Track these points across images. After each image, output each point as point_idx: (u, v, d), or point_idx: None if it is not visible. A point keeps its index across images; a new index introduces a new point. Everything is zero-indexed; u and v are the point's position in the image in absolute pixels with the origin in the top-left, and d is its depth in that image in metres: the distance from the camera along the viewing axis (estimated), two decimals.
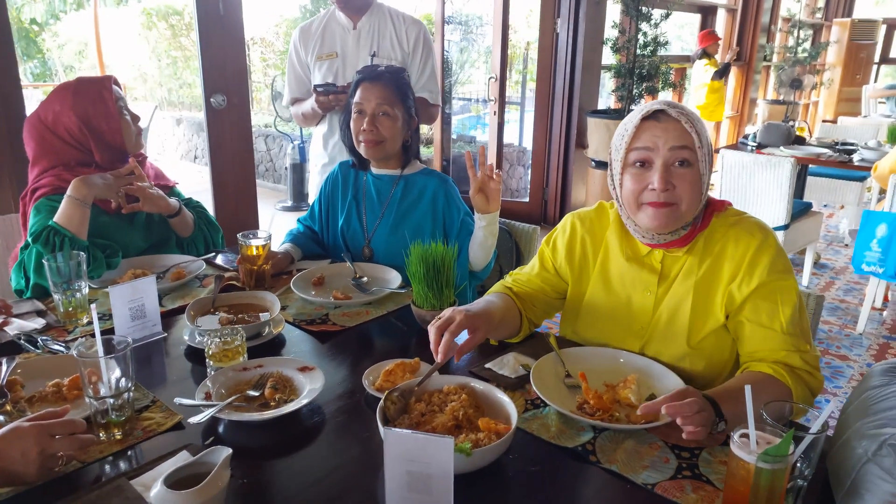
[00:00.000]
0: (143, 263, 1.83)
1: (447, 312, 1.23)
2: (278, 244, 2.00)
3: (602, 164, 4.82)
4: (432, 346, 1.19)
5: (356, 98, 1.86)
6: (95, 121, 1.78)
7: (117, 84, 1.86)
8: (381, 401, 1.08)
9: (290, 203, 6.29)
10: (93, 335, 1.10)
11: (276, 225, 5.60)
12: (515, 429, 1.02)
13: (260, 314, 1.53)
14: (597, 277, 1.42)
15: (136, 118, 1.89)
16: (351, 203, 2.00)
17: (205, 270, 1.84)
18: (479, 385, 1.16)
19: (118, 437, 1.10)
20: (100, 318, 1.53)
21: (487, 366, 1.33)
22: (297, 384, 1.24)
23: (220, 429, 1.14)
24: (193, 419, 1.09)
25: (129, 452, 1.08)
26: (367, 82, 1.85)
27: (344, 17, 2.44)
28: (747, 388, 0.88)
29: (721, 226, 1.30)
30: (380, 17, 2.44)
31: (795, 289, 1.25)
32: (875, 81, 9.21)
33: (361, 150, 1.89)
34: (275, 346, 1.46)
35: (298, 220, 2.13)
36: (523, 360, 1.34)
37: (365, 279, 1.77)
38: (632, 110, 4.78)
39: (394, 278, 1.78)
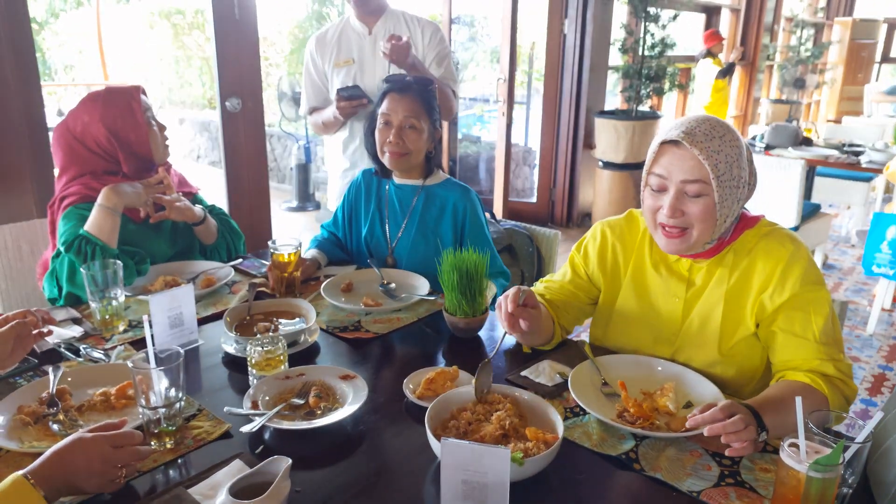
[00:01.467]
0: (172, 270, 1.85)
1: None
2: (305, 251, 2.02)
3: (610, 165, 4.84)
4: (502, 319, 1.29)
5: (383, 108, 1.88)
6: (123, 132, 1.79)
7: (144, 94, 1.87)
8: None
9: (295, 203, 6.30)
10: (131, 343, 1.12)
11: (282, 225, 5.61)
12: (563, 438, 1.05)
13: (293, 321, 1.55)
14: (628, 284, 1.44)
15: (162, 128, 1.90)
16: (374, 212, 2.02)
17: (233, 277, 1.86)
18: (522, 394, 1.19)
19: (170, 445, 1.12)
20: (132, 327, 1.57)
21: (524, 374, 1.36)
22: (340, 393, 1.26)
23: (267, 437, 1.16)
24: (245, 428, 1.11)
25: (181, 461, 1.10)
26: (395, 93, 1.86)
27: (359, 23, 2.46)
28: (798, 401, 0.90)
29: (752, 237, 1.33)
30: (395, 22, 2.46)
31: (828, 299, 1.27)
32: (876, 80, 9.26)
33: (385, 160, 1.91)
34: (311, 353, 1.48)
35: (322, 227, 2.15)
36: (559, 367, 1.37)
37: (393, 285, 1.79)
38: (640, 112, 4.79)
39: (421, 284, 1.80)
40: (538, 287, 1.55)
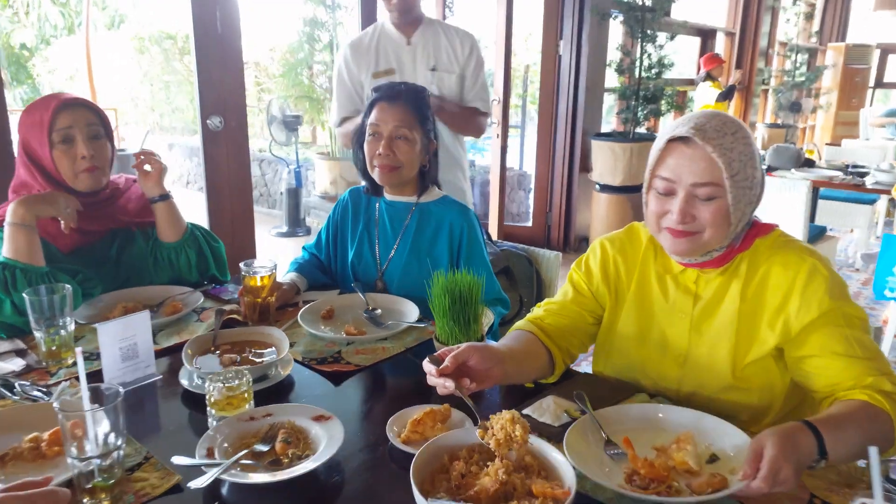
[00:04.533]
0: (134, 296, 1.68)
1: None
2: (282, 273, 1.86)
3: (607, 188, 4.72)
4: (432, 380, 1.06)
5: (371, 118, 1.73)
6: (31, 148, 1.60)
7: (89, 106, 1.65)
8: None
9: (285, 229, 6.14)
10: (78, 378, 0.94)
11: (270, 252, 5.44)
12: (576, 493, 0.87)
13: (265, 351, 1.37)
14: (631, 302, 1.30)
15: (98, 150, 1.63)
16: (363, 233, 1.86)
17: (203, 303, 1.68)
18: None
19: (106, 503, 0.94)
20: (86, 359, 1.39)
21: (525, 412, 1.18)
22: (313, 437, 1.09)
23: (225, 490, 0.98)
24: (193, 484, 0.93)
25: None
26: (384, 102, 1.72)
27: (396, 32, 2.37)
28: (872, 452, 0.74)
29: (766, 248, 1.19)
30: (433, 32, 2.38)
31: (860, 311, 1.14)
32: (871, 105, 9.26)
33: (375, 175, 1.75)
34: (283, 389, 1.30)
35: (304, 248, 1.99)
36: (565, 404, 1.20)
37: (379, 311, 1.63)
38: (637, 134, 4.70)
39: (410, 310, 1.63)
40: (536, 312, 1.38)
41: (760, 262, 1.18)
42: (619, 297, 1.33)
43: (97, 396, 0.96)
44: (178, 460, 0.98)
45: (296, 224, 6.11)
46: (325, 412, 1.12)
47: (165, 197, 1.75)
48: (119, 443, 0.95)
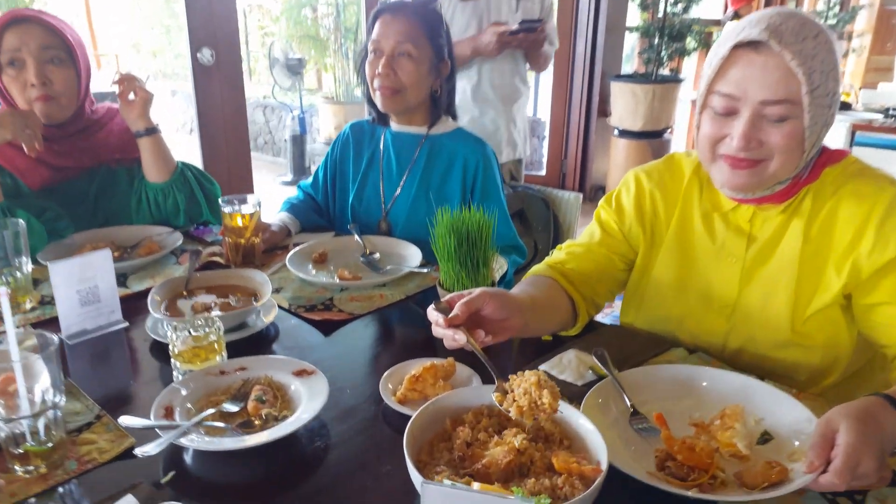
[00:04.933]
0: (106, 236, 1.51)
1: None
2: (274, 215, 1.68)
3: (626, 133, 4.46)
4: (439, 331, 0.87)
5: (373, 35, 1.52)
6: None
7: (47, 25, 1.42)
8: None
9: (290, 177, 5.95)
10: (37, 325, 0.79)
11: (277, 200, 5.27)
12: (609, 468, 0.70)
13: (246, 298, 1.21)
14: (670, 244, 1.11)
15: (59, 78, 1.44)
16: (366, 170, 1.67)
17: (183, 245, 1.51)
18: None
19: (42, 471, 0.79)
20: (45, 303, 1.24)
21: (543, 368, 1.02)
22: (293, 394, 0.93)
23: (188, 458, 0.83)
24: (141, 450, 0.77)
25: (61, 491, 0.77)
26: (386, 14, 1.50)
27: None
28: None
29: (836, 176, 0.99)
30: None
31: None
32: None
33: (377, 100, 1.55)
34: (264, 340, 1.14)
35: (299, 186, 1.81)
36: (590, 360, 1.02)
37: (377, 255, 1.45)
38: (660, 75, 4.39)
39: (412, 254, 1.46)
40: (557, 255, 1.20)
41: (828, 195, 0.99)
42: (656, 238, 1.14)
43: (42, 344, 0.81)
44: (128, 421, 0.82)
45: (301, 172, 5.91)
46: (308, 366, 0.96)
47: (152, 131, 1.56)
48: (56, 400, 0.79)
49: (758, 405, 0.88)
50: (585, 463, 0.72)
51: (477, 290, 0.89)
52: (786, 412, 0.86)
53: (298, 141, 5.85)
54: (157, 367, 1.07)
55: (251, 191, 3.19)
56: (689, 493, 0.72)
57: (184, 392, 0.90)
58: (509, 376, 0.80)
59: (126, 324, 1.17)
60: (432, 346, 1.10)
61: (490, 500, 0.56)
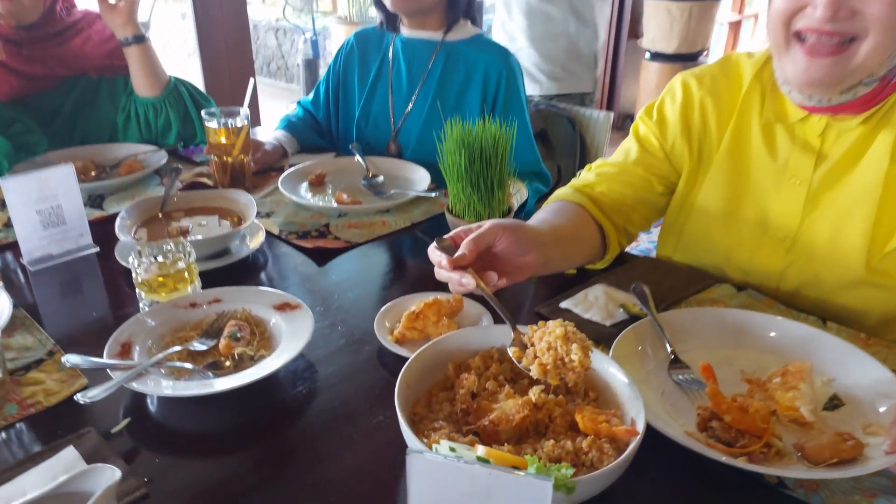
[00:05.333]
0: (86, 153, 1.37)
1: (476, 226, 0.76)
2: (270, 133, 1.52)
3: (659, 56, 4.15)
4: (442, 274, 0.72)
5: None
6: None
7: None
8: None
9: None
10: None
11: None
12: (646, 430, 0.57)
13: (230, 223, 1.07)
14: (722, 162, 0.94)
15: None
16: (373, 83, 1.49)
17: (169, 164, 1.37)
18: None
19: None
20: (9, 225, 1.12)
21: (564, 305, 0.87)
22: (273, 331, 0.80)
23: (151, 404, 0.71)
24: (83, 395, 0.65)
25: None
26: None
27: None
28: None
29: None
30: None
31: None
32: None
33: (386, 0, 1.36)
34: (249, 270, 1.01)
35: (298, 103, 1.64)
36: (621, 296, 0.88)
37: (381, 178, 1.30)
38: None
39: (421, 178, 1.30)
40: (586, 177, 1.03)
41: None
42: (704, 155, 0.97)
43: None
44: (73, 359, 0.70)
45: None
46: (291, 299, 0.83)
47: (140, 39, 1.39)
48: None
49: (825, 362, 0.73)
50: (617, 422, 0.58)
51: (487, 223, 0.74)
52: (861, 373, 0.71)
53: (311, 66, 5.58)
54: (132, 299, 0.95)
55: (258, 122, 3.01)
56: (737, 462, 0.59)
57: (146, 327, 0.77)
58: (529, 327, 0.65)
59: (96, 249, 1.05)
60: (437, 281, 0.96)
61: (494, 476, 0.43)
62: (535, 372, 0.61)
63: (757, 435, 0.62)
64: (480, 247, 0.71)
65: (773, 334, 0.78)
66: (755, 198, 0.92)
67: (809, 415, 0.64)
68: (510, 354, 0.65)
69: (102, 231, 1.08)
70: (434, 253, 0.72)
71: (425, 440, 0.58)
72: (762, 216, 0.91)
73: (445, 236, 0.75)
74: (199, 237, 0.97)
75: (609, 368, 0.65)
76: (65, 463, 0.60)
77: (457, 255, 0.70)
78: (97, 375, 0.72)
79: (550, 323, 0.63)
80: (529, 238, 0.76)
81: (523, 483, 0.43)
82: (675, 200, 1.00)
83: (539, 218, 0.90)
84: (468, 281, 0.68)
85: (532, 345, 0.63)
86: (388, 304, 0.85)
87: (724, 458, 0.59)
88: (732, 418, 0.62)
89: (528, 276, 0.76)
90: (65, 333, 0.84)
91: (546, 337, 0.61)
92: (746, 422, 0.62)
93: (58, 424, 0.68)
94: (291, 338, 0.76)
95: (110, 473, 0.50)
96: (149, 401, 0.71)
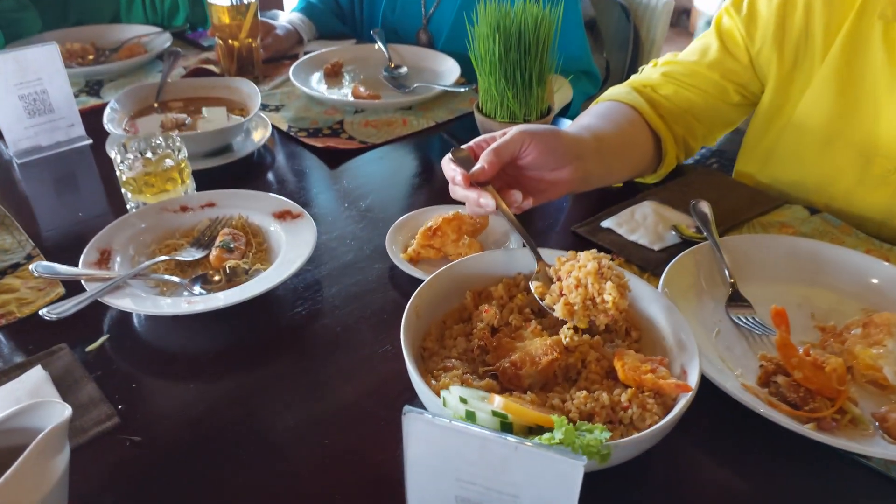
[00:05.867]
0: (84, 35, 1.26)
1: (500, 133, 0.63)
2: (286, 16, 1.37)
3: None
4: (458, 191, 0.61)
5: None
6: None
7: None
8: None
9: None
10: None
11: None
12: (699, 386, 0.47)
13: (230, 115, 0.96)
14: (829, 71, 0.77)
15: None
16: None
17: (173, 48, 1.24)
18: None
19: None
20: None
21: (606, 224, 0.76)
22: (272, 241, 0.71)
23: (136, 321, 0.64)
24: (50, 310, 0.57)
25: None
26: None
27: None
28: None
29: None
30: None
31: None
32: None
33: None
34: (250, 171, 0.91)
35: None
36: (674, 216, 0.76)
37: (404, 69, 1.15)
38: None
39: (449, 70, 1.15)
40: (649, 74, 0.87)
41: None
42: (803, 64, 0.79)
43: None
44: (43, 267, 0.62)
45: None
46: (293, 206, 0.73)
47: None
48: None
49: None
50: (664, 372, 0.48)
51: (513, 129, 0.61)
52: None
53: None
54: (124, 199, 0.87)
55: (280, 5, 2.79)
56: (805, 430, 0.49)
57: (129, 232, 0.69)
58: (556, 258, 0.54)
59: (89, 141, 0.95)
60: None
61: (510, 448, 0.34)
62: (559, 312, 0.51)
63: (830, 398, 0.51)
64: (503, 159, 0.59)
65: (855, 273, 0.65)
66: (865, 117, 0.75)
67: (895, 377, 0.53)
68: (532, 290, 0.54)
69: (98, 122, 0.98)
70: (448, 166, 0.61)
71: (434, 382, 0.49)
72: (870, 139, 0.75)
73: (463, 147, 0.63)
74: (185, 134, 0.86)
75: (657, 303, 0.54)
76: (30, 386, 0.54)
77: (474, 169, 0.58)
78: (78, 285, 0.65)
79: (582, 255, 0.52)
80: (565, 148, 0.63)
81: (548, 461, 0.34)
82: (758, 119, 0.84)
83: (581, 123, 0.77)
84: (487, 201, 0.57)
85: (559, 279, 0.52)
86: (403, 217, 0.74)
87: (789, 424, 0.49)
88: (804, 376, 0.52)
89: (562, 195, 0.65)
90: (48, 235, 0.76)
91: (575, 272, 0.51)
92: (820, 381, 0.52)
93: (30, 339, 0.61)
94: (291, 251, 0.67)
95: (60, 410, 0.42)
96: (134, 317, 0.64)
